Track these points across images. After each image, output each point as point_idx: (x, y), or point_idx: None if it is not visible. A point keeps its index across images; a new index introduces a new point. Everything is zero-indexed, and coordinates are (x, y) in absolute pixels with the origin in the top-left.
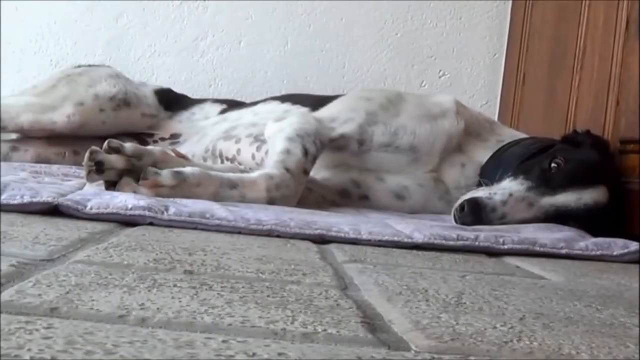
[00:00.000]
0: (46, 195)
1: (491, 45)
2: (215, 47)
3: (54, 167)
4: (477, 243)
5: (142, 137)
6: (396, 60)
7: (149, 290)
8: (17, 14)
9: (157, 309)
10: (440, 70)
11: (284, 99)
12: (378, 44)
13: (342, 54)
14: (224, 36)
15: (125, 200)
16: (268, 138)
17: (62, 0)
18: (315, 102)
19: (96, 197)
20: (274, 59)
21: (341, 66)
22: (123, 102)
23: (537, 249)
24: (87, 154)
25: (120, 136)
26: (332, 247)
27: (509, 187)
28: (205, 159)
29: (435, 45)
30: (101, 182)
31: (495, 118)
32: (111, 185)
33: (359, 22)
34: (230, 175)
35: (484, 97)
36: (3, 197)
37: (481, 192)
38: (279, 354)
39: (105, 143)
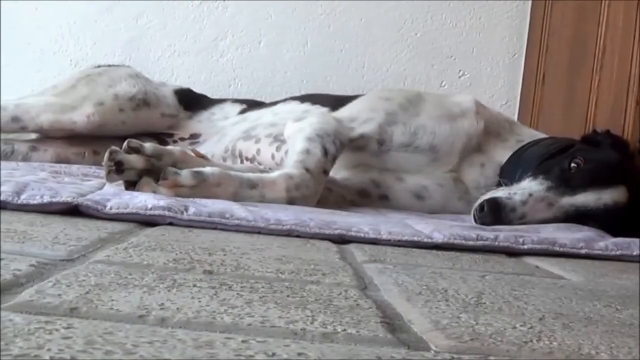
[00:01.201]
0: (66, 195)
1: (511, 45)
2: (235, 47)
3: (74, 167)
4: (496, 243)
5: (161, 137)
6: (416, 60)
7: (169, 290)
8: (36, 14)
9: (177, 309)
10: (459, 70)
11: (303, 99)
12: (398, 44)
13: (362, 54)
14: (243, 36)
15: (144, 200)
16: (288, 138)
17: (82, 0)
18: (335, 102)
19: (116, 197)
20: (293, 59)
21: (361, 66)
22: (143, 102)
23: (557, 249)
24: (106, 154)
25: (140, 136)
26: (352, 247)
27: (528, 187)
28: (224, 159)
29: (455, 45)
30: (121, 182)
31: (515, 118)
32: (131, 185)
33: (378, 22)
34: (250, 175)
35: (504, 97)
36: (23, 197)
37: (501, 192)
38: (299, 354)
39: (125, 143)
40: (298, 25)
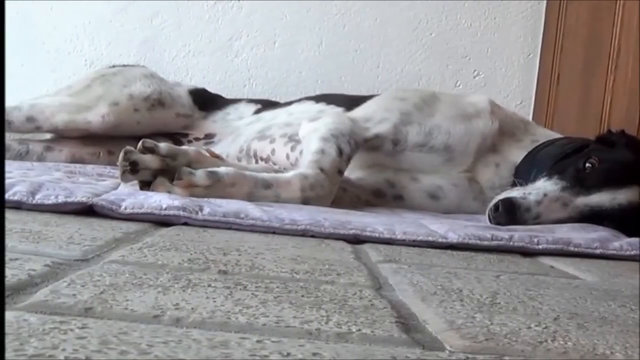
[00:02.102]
0: (81, 195)
1: (525, 45)
2: (250, 47)
3: (89, 167)
4: (511, 243)
5: (176, 137)
6: (430, 60)
7: (184, 290)
8: (51, 14)
9: (192, 309)
10: (474, 70)
11: (318, 99)
12: (412, 44)
13: (377, 54)
14: (258, 36)
15: (159, 200)
16: (302, 138)
17: (97, 0)
18: (350, 102)
19: (130, 197)
20: (308, 59)
21: (375, 66)
22: (157, 102)
23: (572, 249)
24: (121, 154)
25: (154, 136)
26: (367, 247)
27: (543, 187)
28: (239, 159)
29: (470, 45)
30: (135, 182)
31: (530, 118)
32: (145, 185)
33: (393, 22)
34: (265, 175)
35: (519, 97)
36: (38, 197)
37: (515, 192)
38: (314, 354)
39: (140, 143)
40: (313, 25)
